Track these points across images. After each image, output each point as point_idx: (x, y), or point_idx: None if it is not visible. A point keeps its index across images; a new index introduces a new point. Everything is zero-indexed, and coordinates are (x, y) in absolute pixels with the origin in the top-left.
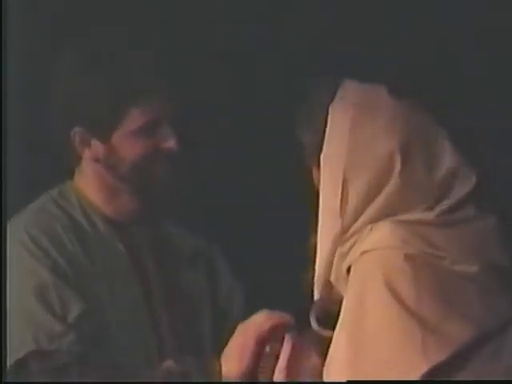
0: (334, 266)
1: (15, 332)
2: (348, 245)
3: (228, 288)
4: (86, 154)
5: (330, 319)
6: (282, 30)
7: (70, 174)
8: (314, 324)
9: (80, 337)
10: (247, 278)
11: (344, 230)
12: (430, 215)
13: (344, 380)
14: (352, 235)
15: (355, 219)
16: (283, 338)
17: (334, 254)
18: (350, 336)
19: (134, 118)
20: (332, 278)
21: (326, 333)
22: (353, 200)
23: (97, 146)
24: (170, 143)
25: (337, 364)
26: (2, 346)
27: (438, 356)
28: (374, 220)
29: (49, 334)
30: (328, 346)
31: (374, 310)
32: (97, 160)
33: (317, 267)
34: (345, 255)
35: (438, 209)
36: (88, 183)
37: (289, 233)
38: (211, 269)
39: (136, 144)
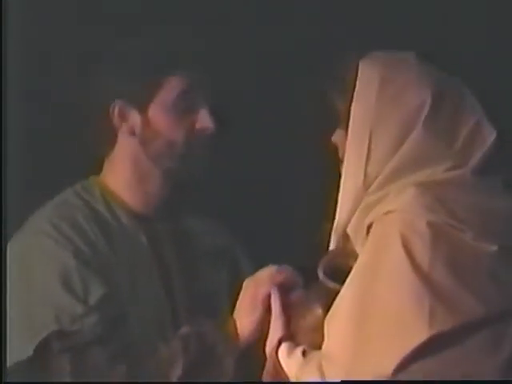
0: (355, 219)
1: (38, 317)
2: (372, 199)
3: None
4: (123, 128)
5: (337, 274)
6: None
7: (96, 169)
8: (320, 274)
9: (102, 318)
10: None
11: (368, 182)
12: (456, 173)
13: (345, 331)
14: (377, 189)
15: (380, 169)
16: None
17: (356, 205)
18: (359, 291)
19: (170, 88)
20: (351, 231)
21: (332, 285)
22: (377, 150)
23: (135, 117)
24: (207, 122)
25: (340, 317)
26: (2, 346)
27: (442, 325)
28: (398, 173)
29: (71, 316)
30: (333, 300)
31: (387, 268)
32: (133, 133)
33: (337, 217)
34: (369, 208)
35: (465, 166)
36: (117, 172)
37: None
38: (234, 268)
39: (172, 119)
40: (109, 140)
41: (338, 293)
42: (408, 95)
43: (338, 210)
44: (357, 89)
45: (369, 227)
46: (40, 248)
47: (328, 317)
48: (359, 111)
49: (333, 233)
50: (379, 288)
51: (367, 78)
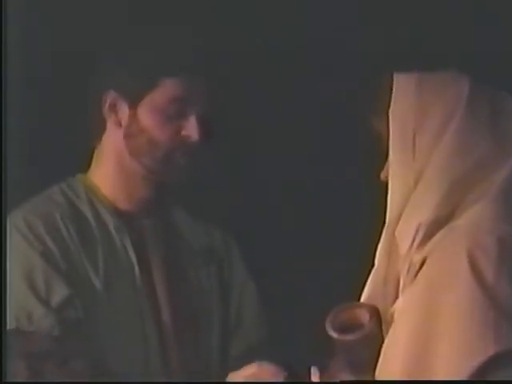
0: (404, 218)
1: (3, 315)
2: (419, 196)
3: (240, 289)
4: (111, 120)
5: (346, 327)
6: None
7: (84, 167)
8: (333, 334)
9: (60, 321)
10: (263, 280)
11: (417, 177)
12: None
13: (408, 352)
14: (426, 184)
15: (426, 162)
16: None
17: (405, 208)
18: (422, 311)
19: (164, 90)
20: (399, 232)
21: (349, 337)
22: (422, 145)
23: (123, 110)
24: (193, 131)
25: (401, 337)
26: (3, 345)
27: (509, 342)
28: (445, 162)
29: (29, 315)
30: (356, 352)
31: (453, 287)
32: (119, 125)
33: (388, 216)
34: (417, 207)
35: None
36: (102, 165)
37: (310, 235)
38: (224, 268)
39: (159, 119)
40: (98, 130)
41: (358, 342)
42: (446, 87)
43: (388, 209)
44: (394, 93)
45: (427, 234)
46: (10, 244)
47: (385, 346)
48: (399, 112)
49: (384, 232)
50: (444, 307)
51: (404, 81)
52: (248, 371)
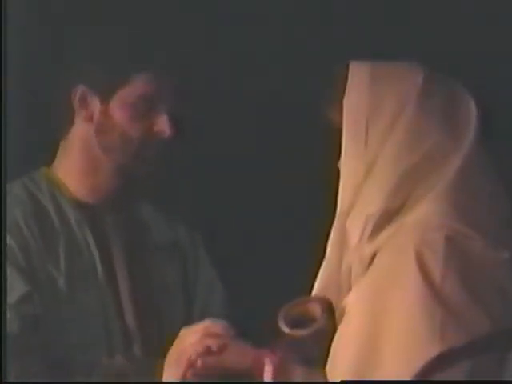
0: (355, 211)
1: None
2: (372, 188)
3: (206, 287)
4: (81, 115)
5: (299, 321)
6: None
7: (48, 161)
8: (285, 329)
9: (18, 318)
10: (230, 276)
11: (368, 169)
12: (459, 160)
13: (356, 348)
14: (377, 176)
15: (379, 151)
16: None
17: (355, 199)
18: (370, 307)
19: (136, 86)
20: (350, 224)
21: (300, 332)
22: (374, 134)
23: (95, 105)
24: (165, 127)
25: (350, 332)
26: (2, 345)
27: (454, 340)
28: (396, 153)
29: None
30: (304, 345)
31: (400, 284)
32: (90, 120)
33: (339, 207)
34: (369, 199)
35: (461, 147)
36: (68, 158)
37: (275, 229)
38: (188, 262)
39: (130, 115)
40: (66, 123)
41: (310, 336)
42: (400, 77)
43: (339, 200)
44: (348, 82)
45: (377, 226)
46: None
47: (335, 341)
48: (353, 102)
49: (335, 222)
50: (392, 304)
51: (358, 71)
52: (200, 326)
